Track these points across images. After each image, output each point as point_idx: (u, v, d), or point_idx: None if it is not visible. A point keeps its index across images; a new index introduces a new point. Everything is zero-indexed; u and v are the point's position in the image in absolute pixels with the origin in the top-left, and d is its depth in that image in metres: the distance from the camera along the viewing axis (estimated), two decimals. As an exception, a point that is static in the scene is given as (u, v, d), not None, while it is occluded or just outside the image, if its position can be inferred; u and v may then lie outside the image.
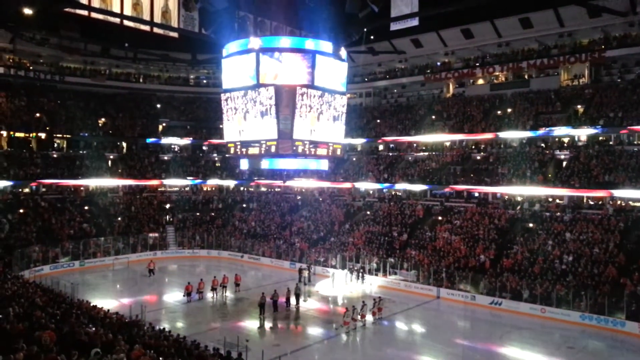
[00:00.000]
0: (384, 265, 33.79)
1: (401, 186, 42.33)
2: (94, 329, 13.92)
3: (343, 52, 20.32)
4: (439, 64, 48.97)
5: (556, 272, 28.32)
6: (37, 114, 47.30)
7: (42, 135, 46.77)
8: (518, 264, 30.04)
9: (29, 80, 48.08)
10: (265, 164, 21.13)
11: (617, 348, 22.57)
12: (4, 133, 44.50)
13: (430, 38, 46.42)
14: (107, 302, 25.14)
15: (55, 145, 48.29)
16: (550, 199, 36.03)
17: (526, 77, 44.30)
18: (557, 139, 38.75)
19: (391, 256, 34.78)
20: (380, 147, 49.46)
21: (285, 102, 18.31)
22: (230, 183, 53.04)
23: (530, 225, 33.85)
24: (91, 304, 20.84)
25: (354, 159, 49.03)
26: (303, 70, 18.44)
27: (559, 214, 33.90)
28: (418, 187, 41.47)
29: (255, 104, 18.52)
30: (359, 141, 48.87)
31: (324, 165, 22.60)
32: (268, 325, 24.98)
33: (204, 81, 58.19)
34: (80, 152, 48.94)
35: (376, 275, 33.63)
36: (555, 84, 41.92)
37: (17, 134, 45.53)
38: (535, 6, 39.60)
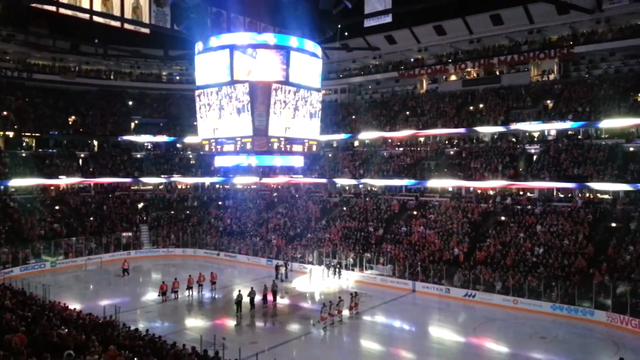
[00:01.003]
0: (360, 261, 34.02)
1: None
2: (66, 330, 13.69)
3: (317, 49, 20.33)
4: (412, 60, 49.42)
5: (528, 263, 28.97)
6: (4, 112, 46.00)
7: (10, 134, 45.49)
8: (491, 256, 30.62)
9: (-5, 77, 46.67)
10: (239, 161, 21.03)
11: (587, 337, 23.25)
12: (-30, 132, 43.20)
13: (403, 35, 46.77)
14: (80, 304, 24.73)
15: (24, 144, 47.04)
16: (521, 193, 36.78)
17: (497, 73, 45.03)
18: (527, 134, 39.56)
19: (367, 251, 35.04)
20: (356, 143, 49.68)
21: (260, 99, 18.22)
22: (206, 180, 52.58)
23: (503, 218, 34.52)
24: (63, 305, 20.45)
25: (330, 155, 49.15)
26: (277, 67, 18.37)
27: (530, 207, 34.64)
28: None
29: (230, 99, 18.39)
30: (334, 137, 48.99)
31: (299, 161, 22.61)
32: (245, 322, 24.93)
33: (177, 78, 57.33)
34: (50, 150, 47.80)
35: (353, 270, 33.85)
36: (525, 79, 42.73)
37: (-16, 133, 44.21)
38: (505, 3, 40.35)
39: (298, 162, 22.34)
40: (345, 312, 25.31)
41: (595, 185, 32.43)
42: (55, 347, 10.91)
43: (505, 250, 30.74)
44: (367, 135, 46.85)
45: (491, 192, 37.61)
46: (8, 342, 10.44)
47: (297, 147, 20.07)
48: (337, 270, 33.57)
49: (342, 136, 48.54)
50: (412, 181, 40.17)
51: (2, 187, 42.14)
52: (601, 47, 38.83)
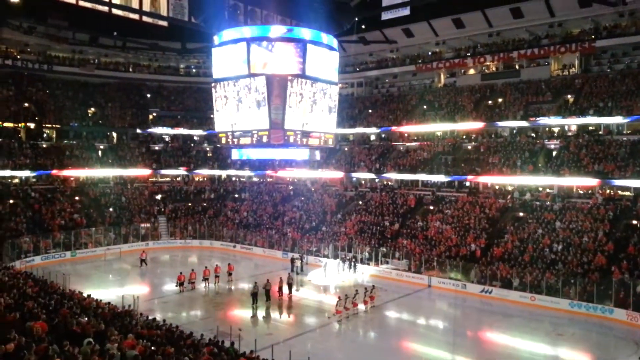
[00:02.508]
0: (375, 255, 33.97)
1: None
2: (86, 319, 13.91)
3: (334, 42, 20.24)
4: (430, 53, 48.92)
5: (546, 260, 28.63)
6: (26, 104, 46.75)
7: (31, 125, 46.25)
8: (508, 252, 30.32)
9: (17, 69, 47.31)
10: (256, 154, 21.10)
11: (606, 335, 22.96)
12: (-8, 123, 43.98)
13: (421, 28, 46.31)
14: (99, 293, 25.11)
15: (45, 135, 47.82)
16: (540, 188, 36.32)
17: (517, 67, 44.38)
18: (547, 129, 38.98)
19: (383, 245, 34.96)
20: (372, 137, 49.49)
21: (277, 92, 18.24)
22: (222, 173, 52.91)
23: (521, 214, 34.13)
24: (83, 294, 20.80)
25: (346, 149, 49.04)
26: (294, 60, 18.35)
27: (549, 203, 34.20)
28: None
29: (249, 91, 18.40)
30: (350, 131, 48.85)
31: (315, 155, 22.62)
32: (261, 314, 25.08)
33: (194, 70, 57.67)
34: (70, 142, 48.52)
35: (368, 264, 33.82)
36: (545, 73, 42.04)
37: (6, 124, 44.89)
38: (526, -4, 39.70)
39: (315, 155, 22.37)
40: (361, 306, 25.33)
41: (616, 182, 31.85)
42: (75, 335, 11.08)
43: (523, 246, 30.42)
44: (384, 129, 46.59)
45: (510, 188, 37.18)
46: (30, 329, 10.65)
47: (313, 141, 20.08)
48: (352, 264, 33.58)
49: (358, 130, 48.36)
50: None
51: (23, 177, 42.92)
52: (624, 41, 37.98)
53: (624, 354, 20.55)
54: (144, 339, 12.70)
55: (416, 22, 44.96)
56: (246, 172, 51.89)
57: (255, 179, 53.13)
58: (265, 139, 18.77)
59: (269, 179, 51.82)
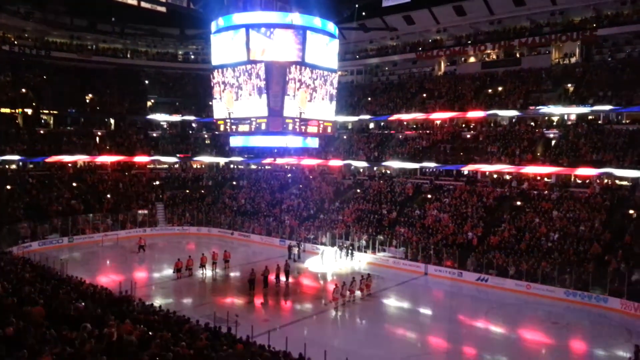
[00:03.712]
0: (373, 243, 34.08)
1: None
2: (83, 304, 13.97)
3: (334, 29, 20.11)
4: (430, 41, 48.66)
5: (542, 249, 28.75)
6: (23, 90, 46.49)
7: (29, 111, 46.03)
8: (505, 241, 30.43)
9: (14, 55, 46.97)
10: (254, 142, 21.06)
11: (600, 323, 23.11)
12: (-11, 109, 43.76)
13: (422, 15, 46.04)
14: (96, 278, 25.23)
15: (42, 121, 47.61)
16: (538, 177, 36.36)
17: (517, 55, 44.22)
18: (546, 118, 38.92)
19: (380, 233, 35.06)
20: (371, 125, 49.38)
21: (276, 79, 18.18)
22: (221, 160, 52.86)
23: (518, 203, 34.20)
24: (80, 280, 20.87)
25: (345, 137, 48.95)
26: (293, 47, 18.27)
27: (546, 192, 34.26)
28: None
29: (250, 78, 18.30)
30: (349, 119, 48.71)
31: (314, 142, 22.58)
32: (258, 301, 25.21)
33: (193, 57, 57.33)
34: (68, 128, 48.33)
35: (365, 252, 33.94)
36: (546, 62, 41.89)
37: (3, 110, 44.65)
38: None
39: (313, 143, 22.35)
40: (358, 293, 25.46)
41: (614, 171, 31.89)
42: (72, 320, 11.15)
43: (519, 235, 30.52)
44: (383, 117, 46.50)
45: (507, 177, 37.23)
46: (27, 314, 10.71)
47: (312, 129, 20.05)
48: (349, 251, 33.70)
49: (357, 118, 48.25)
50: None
51: (20, 163, 42.82)
52: (626, 30, 37.86)
53: (618, 341, 20.72)
54: (141, 324, 12.76)
55: (417, 9, 44.74)
56: (244, 160, 51.80)
57: (253, 167, 53.10)
58: (264, 127, 18.75)
59: (267, 167, 51.79)
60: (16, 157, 42.12)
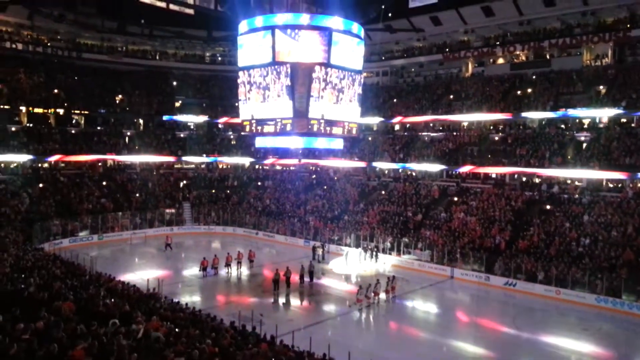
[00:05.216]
0: (397, 245, 33.83)
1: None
2: (112, 300, 14.23)
3: (360, 30, 20.03)
4: (458, 42, 48.07)
5: (572, 254, 28.07)
6: (55, 90, 47.72)
7: (60, 111, 47.23)
8: (534, 245, 29.82)
9: (47, 56, 48.42)
10: (280, 142, 21.12)
11: (633, 331, 22.45)
12: (23, 109, 44.97)
13: (449, 16, 45.52)
14: (125, 275, 25.67)
15: (73, 121, 48.80)
16: (569, 181, 35.54)
17: (547, 56, 43.31)
18: (577, 120, 38.02)
19: (405, 236, 34.78)
20: (397, 127, 49.06)
21: (301, 81, 18.18)
22: (246, 161, 53.28)
23: (548, 207, 33.48)
24: (109, 277, 21.27)
25: (370, 138, 48.75)
26: (319, 48, 18.24)
27: (577, 196, 33.47)
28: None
29: (278, 78, 18.38)
30: (375, 120, 48.50)
31: (339, 144, 22.52)
32: (282, 301, 25.28)
33: (220, 59, 58.03)
34: (98, 128, 49.45)
35: (390, 254, 33.71)
36: (577, 64, 40.96)
37: (36, 110, 45.98)
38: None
39: (338, 144, 22.29)
40: (382, 296, 25.30)
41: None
42: (101, 315, 11.36)
43: (549, 239, 29.87)
44: (409, 119, 46.14)
45: (537, 180, 36.49)
46: (57, 309, 10.96)
47: (337, 130, 19.99)
48: (374, 253, 33.53)
49: (382, 119, 47.97)
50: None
51: (52, 162, 43.96)
52: (661, 30, 36.70)
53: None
54: (168, 321, 12.93)
55: (444, 10, 44.25)
56: (269, 160, 52.08)
57: (278, 167, 53.33)
58: (289, 127, 18.78)
59: (292, 168, 51.95)
60: (52, 157, 43.24)
